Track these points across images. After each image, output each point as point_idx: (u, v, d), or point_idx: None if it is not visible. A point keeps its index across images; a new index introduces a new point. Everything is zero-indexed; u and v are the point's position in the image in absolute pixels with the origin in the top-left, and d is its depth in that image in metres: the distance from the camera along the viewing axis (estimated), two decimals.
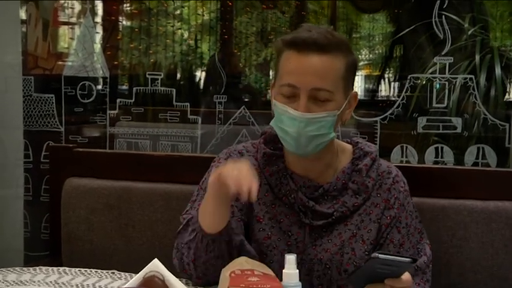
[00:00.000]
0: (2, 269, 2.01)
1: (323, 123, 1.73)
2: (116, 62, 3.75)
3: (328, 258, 1.80)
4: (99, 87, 3.41)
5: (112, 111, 3.35)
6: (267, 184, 1.86)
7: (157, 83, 3.32)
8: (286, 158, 1.86)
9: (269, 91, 1.93)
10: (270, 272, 1.49)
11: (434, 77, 2.90)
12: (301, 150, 1.75)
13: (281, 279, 1.45)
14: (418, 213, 1.93)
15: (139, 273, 1.49)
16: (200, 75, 4.01)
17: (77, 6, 3.68)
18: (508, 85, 3.21)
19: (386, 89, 4.22)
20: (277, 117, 1.77)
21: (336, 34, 1.79)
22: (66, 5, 3.69)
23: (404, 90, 2.99)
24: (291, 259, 1.44)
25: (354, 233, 1.82)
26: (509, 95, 3.18)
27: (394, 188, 1.86)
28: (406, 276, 1.51)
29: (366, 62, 4.54)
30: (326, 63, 1.73)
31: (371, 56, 4.51)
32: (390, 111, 2.97)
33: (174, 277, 1.50)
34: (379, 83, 4.23)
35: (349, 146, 1.92)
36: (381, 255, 1.43)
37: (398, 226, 1.84)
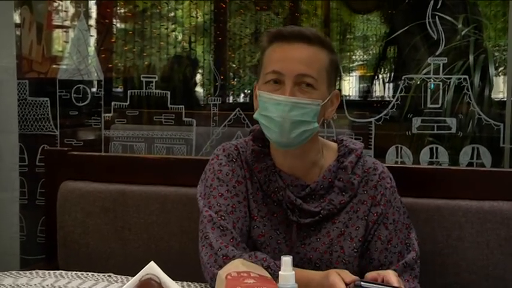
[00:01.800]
0: None
1: (307, 110, 1.74)
2: (110, 65, 3.75)
3: (318, 257, 1.82)
4: (94, 90, 3.40)
5: (107, 114, 3.35)
6: (257, 182, 1.87)
7: (152, 85, 3.32)
8: (273, 157, 1.88)
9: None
10: (266, 274, 1.49)
11: (429, 78, 2.91)
12: (285, 137, 1.75)
13: None
14: (407, 209, 1.93)
15: (136, 276, 1.50)
16: (195, 77, 4.01)
17: (71, 10, 3.68)
18: (502, 85, 3.23)
19: (380, 90, 4.24)
20: (261, 106, 1.79)
21: (320, 33, 1.84)
22: (60, 8, 3.69)
23: (398, 91, 2.99)
24: (287, 261, 1.44)
25: (342, 231, 1.83)
26: (503, 94, 3.19)
27: (381, 185, 1.87)
28: None
29: (360, 63, 4.55)
30: (311, 52, 1.77)
31: (365, 56, 4.52)
32: (385, 112, 2.98)
33: (170, 279, 1.50)
34: (373, 84, 4.24)
35: (334, 144, 1.94)
36: (363, 284, 1.44)
37: (385, 222, 1.85)
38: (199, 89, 4.05)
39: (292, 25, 1.91)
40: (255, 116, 1.82)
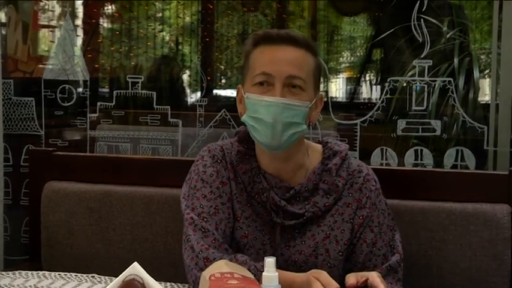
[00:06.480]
0: None
1: (297, 112, 1.75)
2: (96, 65, 3.74)
3: (303, 260, 1.82)
4: (80, 90, 3.39)
5: (92, 115, 3.34)
6: (241, 183, 1.87)
7: (138, 86, 3.31)
8: (258, 158, 1.88)
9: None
10: (249, 274, 1.49)
11: (414, 80, 2.92)
12: (276, 140, 1.75)
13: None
14: (391, 211, 1.94)
15: (119, 276, 1.50)
16: (181, 78, 4.01)
17: (57, 9, 3.66)
18: (487, 88, 3.24)
19: (367, 92, 4.25)
20: (250, 109, 1.78)
21: (306, 36, 1.86)
22: (46, 7, 3.67)
23: (384, 93, 3.00)
24: (270, 262, 1.44)
25: (327, 234, 1.84)
26: (488, 97, 3.20)
27: (366, 187, 1.87)
28: None
29: (346, 65, 4.56)
30: (300, 55, 1.79)
31: (352, 58, 4.53)
32: (370, 114, 2.98)
33: (153, 280, 1.50)
34: (359, 86, 4.25)
35: (319, 146, 1.94)
36: None
37: (370, 225, 1.85)
38: (185, 90, 4.05)
39: (278, 28, 1.91)
40: (243, 118, 1.81)
